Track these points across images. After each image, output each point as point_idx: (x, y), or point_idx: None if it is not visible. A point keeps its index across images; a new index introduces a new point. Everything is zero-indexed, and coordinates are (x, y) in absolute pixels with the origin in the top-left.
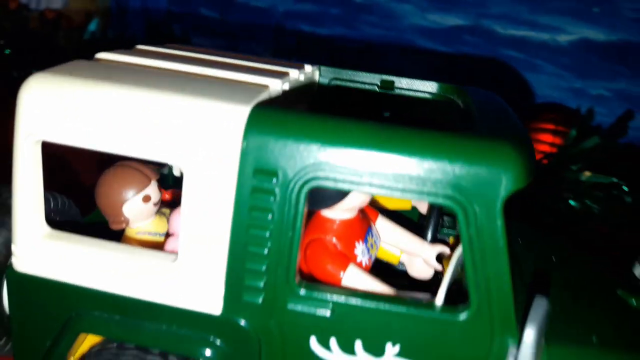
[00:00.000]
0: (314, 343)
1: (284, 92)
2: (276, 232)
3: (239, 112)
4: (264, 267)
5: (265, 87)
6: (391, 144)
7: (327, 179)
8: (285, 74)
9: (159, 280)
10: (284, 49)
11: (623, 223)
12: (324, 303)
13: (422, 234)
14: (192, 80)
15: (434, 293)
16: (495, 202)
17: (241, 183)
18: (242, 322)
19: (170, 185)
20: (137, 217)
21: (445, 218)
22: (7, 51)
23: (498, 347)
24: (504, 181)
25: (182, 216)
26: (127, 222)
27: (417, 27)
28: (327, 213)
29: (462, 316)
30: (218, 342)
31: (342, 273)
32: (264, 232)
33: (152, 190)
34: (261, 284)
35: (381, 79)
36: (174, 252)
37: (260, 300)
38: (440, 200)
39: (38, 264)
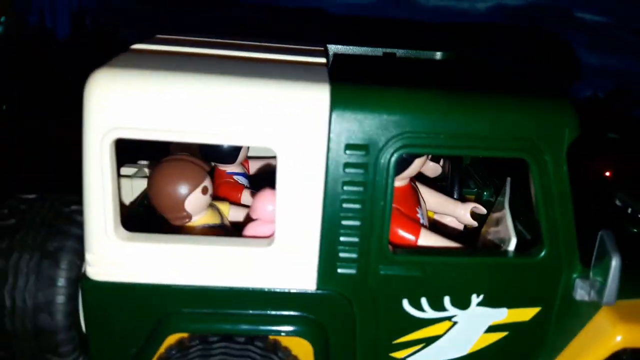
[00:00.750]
0: (406, 305)
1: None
2: (369, 203)
3: (322, 90)
4: (358, 239)
5: (323, 64)
6: (472, 107)
7: (414, 145)
8: (321, 52)
9: (254, 266)
10: None
11: None
12: (415, 265)
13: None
14: (255, 65)
15: None
16: (561, 151)
17: (332, 160)
18: (337, 294)
19: None
20: (197, 210)
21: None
22: None
23: (565, 282)
24: (567, 132)
25: (277, 199)
26: (189, 217)
27: (343, 3)
28: None
29: (539, 257)
30: (313, 316)
31: (415, 238)
32: (358, 204)
33: (208, 181)
34: (355, 255)
35: (383, 52)
36: (262, 237)
37: (354, 270)
38: (515, 154)
39: (119, 270)
